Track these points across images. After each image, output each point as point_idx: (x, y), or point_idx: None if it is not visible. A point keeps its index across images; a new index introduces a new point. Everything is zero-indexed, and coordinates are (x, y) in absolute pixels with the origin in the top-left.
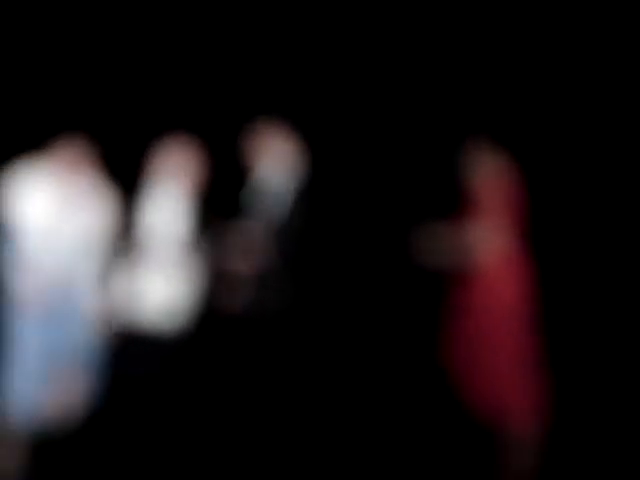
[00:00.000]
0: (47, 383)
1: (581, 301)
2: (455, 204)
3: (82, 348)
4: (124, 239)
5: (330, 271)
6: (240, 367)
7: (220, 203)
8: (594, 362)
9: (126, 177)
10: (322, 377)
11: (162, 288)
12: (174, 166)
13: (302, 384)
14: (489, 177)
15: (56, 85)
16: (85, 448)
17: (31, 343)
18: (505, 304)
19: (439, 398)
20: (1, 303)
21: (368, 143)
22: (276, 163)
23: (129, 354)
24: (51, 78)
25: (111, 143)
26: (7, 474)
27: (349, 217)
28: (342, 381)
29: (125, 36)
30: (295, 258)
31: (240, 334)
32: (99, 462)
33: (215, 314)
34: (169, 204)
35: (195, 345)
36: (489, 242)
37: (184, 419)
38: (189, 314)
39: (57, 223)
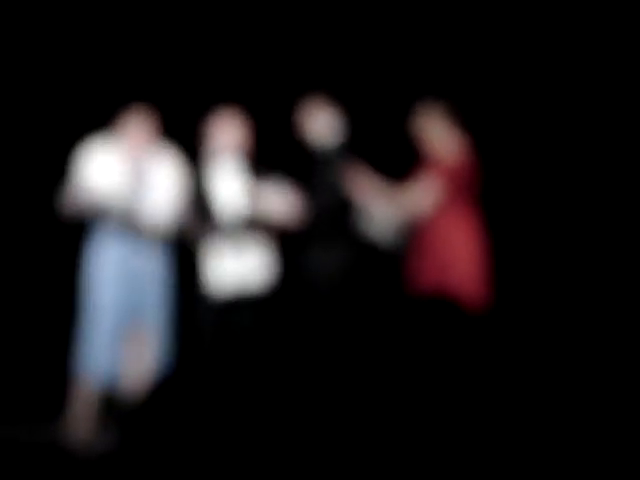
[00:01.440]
0: (123, 343)
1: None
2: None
3: (158, 310)
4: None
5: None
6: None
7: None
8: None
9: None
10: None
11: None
12: (229, 137)
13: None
14: (438, 139)
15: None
16: (156, 410)
17: (108, 303)
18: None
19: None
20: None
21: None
22: (325, 131)
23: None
24: (108, 53)
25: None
26: (81, 435)
27: None
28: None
29: (176, 13)
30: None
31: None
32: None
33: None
34: (230, 174)
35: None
36: (430, 198)
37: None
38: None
39: (133, 194)
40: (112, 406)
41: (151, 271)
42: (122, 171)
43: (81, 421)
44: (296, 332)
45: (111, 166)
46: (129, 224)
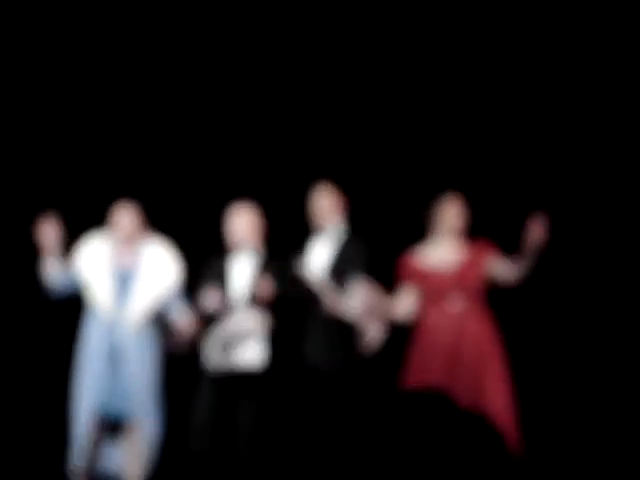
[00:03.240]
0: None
1: None
2: None
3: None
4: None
5: None
6: None
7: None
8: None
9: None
10: None
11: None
12: (245, 230)
13: None
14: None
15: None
16: None
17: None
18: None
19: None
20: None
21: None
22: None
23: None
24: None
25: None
26: None
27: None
28: None
29: (179, 104)
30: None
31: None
32: None
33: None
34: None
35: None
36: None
37: None
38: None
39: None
40: None
41: (136, 353)
42: (110, 265)
43: None
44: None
45: (101, 259)
46: (114, 320)
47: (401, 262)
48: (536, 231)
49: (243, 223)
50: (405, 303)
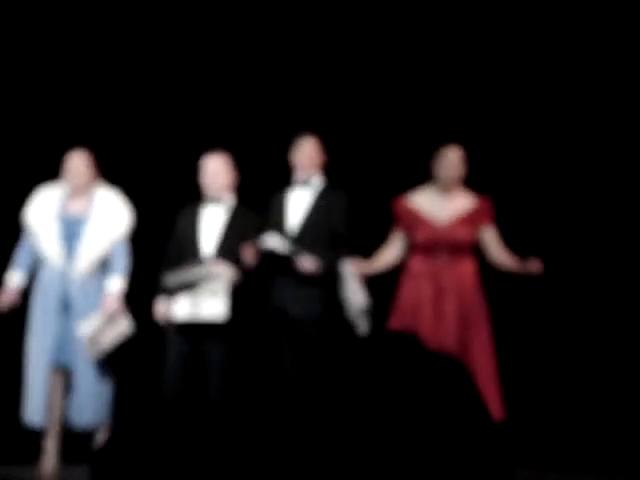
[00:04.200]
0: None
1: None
2: None
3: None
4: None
5: None
6: None
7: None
8: None
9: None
10: None
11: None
12: (217, 180)
13: None
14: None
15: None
16: None
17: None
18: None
19: None
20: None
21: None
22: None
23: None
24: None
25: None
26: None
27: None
28: None
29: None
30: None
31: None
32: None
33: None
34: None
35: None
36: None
37: None
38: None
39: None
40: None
41: (85, 301)
42: (59, 214)
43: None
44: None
45: (49, 208)
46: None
47: (396, 203)
48: (530, 270)
49: (214, 173)
50: (393, 251)
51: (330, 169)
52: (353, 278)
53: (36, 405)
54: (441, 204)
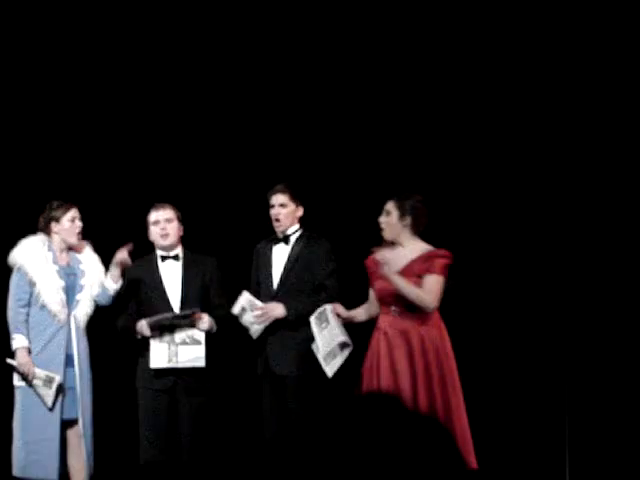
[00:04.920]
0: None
1: None
2: None
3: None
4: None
5: None
6: None
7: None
8: None
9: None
10: None
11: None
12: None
13: None
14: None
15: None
16: None
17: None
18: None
19: None
20: None
21: None
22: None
23: None
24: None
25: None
26: None
27: None
28: None
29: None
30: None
31: None
32: None
33: None
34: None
35: None
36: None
37: None
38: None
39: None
40: None
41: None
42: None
43: None
44: None
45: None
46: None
47: (368, 258)
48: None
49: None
50: (371, 306)
51: (310, 217)
52: (334, 319)
53: (50, 460)
54: (395, 258)
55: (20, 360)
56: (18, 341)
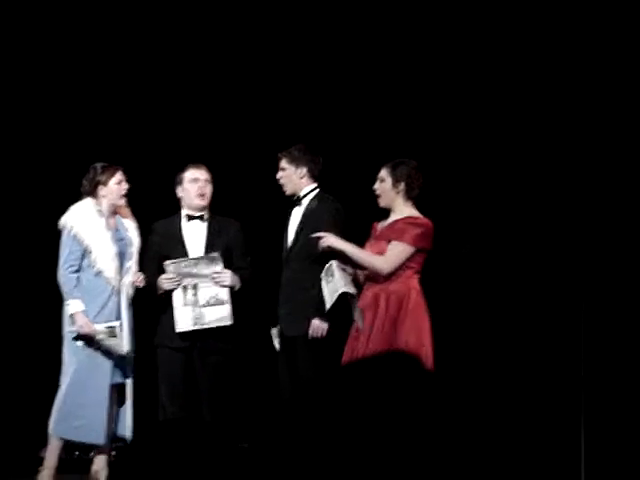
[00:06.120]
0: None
1: None
2: None
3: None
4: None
5: None
6: None
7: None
8: None
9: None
10: None
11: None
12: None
13: None
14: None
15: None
16: None
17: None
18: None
19: None
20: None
21: None
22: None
23: None
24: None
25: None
26: None
27: None
28: None
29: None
30: None
31: None
32: None
33: None
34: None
35: None
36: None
37: None
38: None
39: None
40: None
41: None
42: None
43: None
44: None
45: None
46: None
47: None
48: None
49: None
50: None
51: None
52: (338, 273)
53: (97, 424)
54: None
55: (80, 322)
56: (74, 306)
